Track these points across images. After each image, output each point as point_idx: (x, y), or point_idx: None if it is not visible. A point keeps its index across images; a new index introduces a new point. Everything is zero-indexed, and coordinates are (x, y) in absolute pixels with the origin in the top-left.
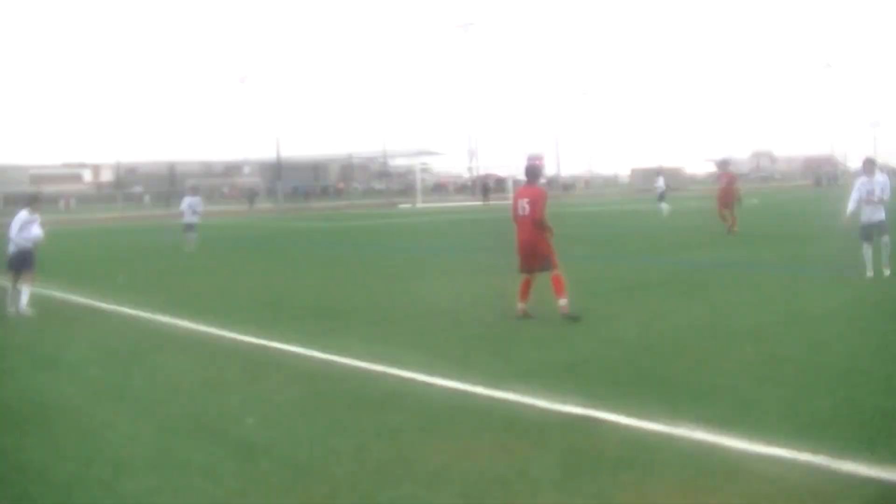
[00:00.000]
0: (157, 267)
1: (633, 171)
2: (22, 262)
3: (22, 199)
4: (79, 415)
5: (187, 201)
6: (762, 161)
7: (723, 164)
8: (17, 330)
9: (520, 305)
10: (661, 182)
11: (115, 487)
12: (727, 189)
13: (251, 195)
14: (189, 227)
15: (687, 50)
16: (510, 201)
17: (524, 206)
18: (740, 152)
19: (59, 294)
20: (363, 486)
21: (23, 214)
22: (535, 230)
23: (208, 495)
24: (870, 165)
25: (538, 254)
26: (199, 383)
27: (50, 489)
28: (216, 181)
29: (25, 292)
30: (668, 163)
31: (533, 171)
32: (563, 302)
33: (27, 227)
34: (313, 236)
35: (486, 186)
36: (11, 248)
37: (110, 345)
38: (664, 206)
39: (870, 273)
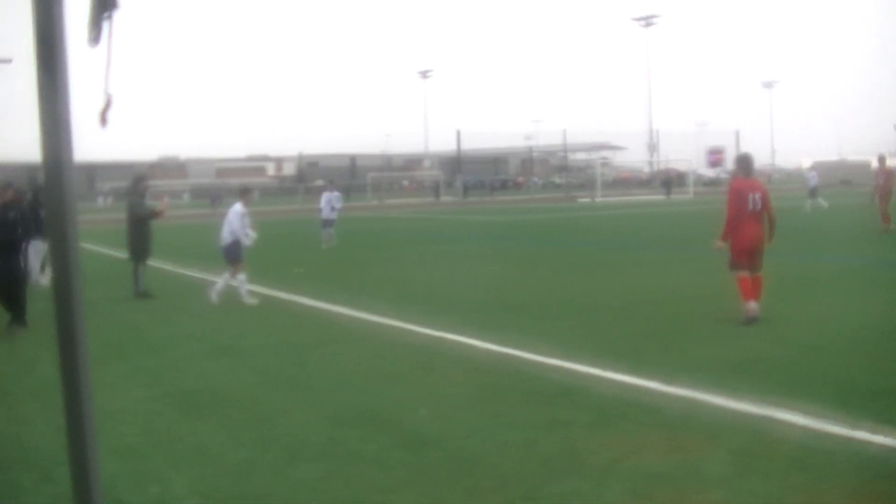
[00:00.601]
0: (333, 258)
1: (815, 165)
2: (235, 253)
3: (211, 193)
4: (254, 402)
5: (325, 197)
6: None
7: (881, 160)
8: (198, 319)
9: (752, 305)
10: (814, 177)
11: (287, 473)
12: (885, 185)
13: (436, 188)
14: (327, 223)
15: (876, 38)
16: (690, 195)
17: (756, 200)
18: None
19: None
20: (531, 479)
21: (238, 207)
22: (763, 227)
23: (377, 484)
24: None
25: (762, 252)
26: (372, 374)
27: (225, 473)
28: (396, 175)
29: (240, 282)
30: (853, 156)
31: (749, 162)
32: (756, 305)
33: (243, 220)
34: (490, 230)
35: (669, 180)
36: (229, 239)
37: (286, 335)
38: (811, 203)
39: None
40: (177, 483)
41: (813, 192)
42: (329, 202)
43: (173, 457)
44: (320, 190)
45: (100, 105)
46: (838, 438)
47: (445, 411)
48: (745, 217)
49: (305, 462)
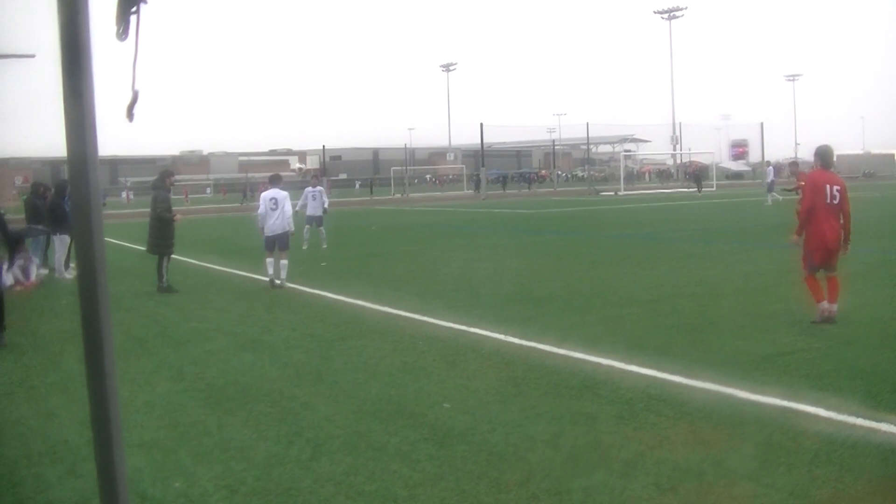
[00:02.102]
0: (358, 252)
1: (839, 158)
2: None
3: (243, 186)
4: (280, 396)
5: (308, 192)
6: None
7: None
8: (223, 313)
9: (826, 305)
10: (771, 172)
11: (312, 467)
12: None
13: (477, 182)
14: (312, 220)
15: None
16: (714, 188)
17: (835, 193)
18: None
19: (265, 278)
20: (557, 473)
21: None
22: (840, 224)
23: (403, 478)
24: None
25: (838, 250)
26: (397, 368)
27: (251, 467)
28: (419, 168)
29: (285, 266)
30: (876, 149)
31: (830, 155)
32: (835, 307)
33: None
34: (515, 223)
35: (698, 174)
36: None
37: (312, 329)
38: (771, 197)
39: None
40: (202, 477)
41: (770, 186)
42: (314, 197)
43: (198, 451)
44: (382, 182)
45: (126, 100)
46: (863, 431)
47: (471, 405)
48: (821, 211)
49: (330, 456)
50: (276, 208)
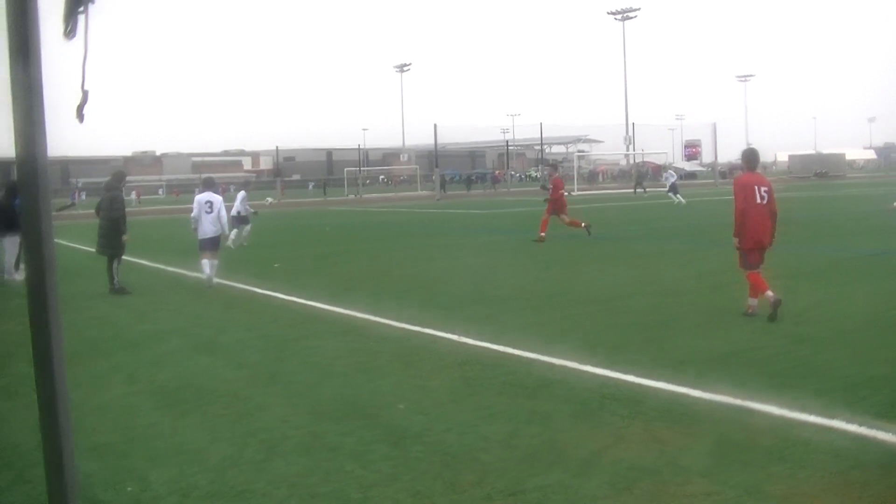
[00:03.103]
0: (312, 252)
1: (791, 158)
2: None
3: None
4: (234, 398)
5: (242, 195)
6: None
7: (554, 168)
8: (177, 315)
9: (772, 295)
10: (671, 175)
11: (267, 469)
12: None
13: (443, 182)
14: (240, 220)
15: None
16: (667, 188)
17: (763, 194)
18: None
19: (216, 280)
20: (512, 472)
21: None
22: (770, 221)
23: (358, 479)
24: None
25: (767, 247)
26: (352, 368)
27: (205, 469)
28: (374, 169)
29: (214, 266)
30: (827, 149)
31: (756, 157)
32: (755, 301)
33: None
34: (470, 223)
35: (640, 175)
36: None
37: (266, 330)
38: (676, 198)
39: None
40: (155, 481)
41: (673, 188)
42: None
43: (152, 454)
44: (336, 183)
45: (76, 100)
46: (816, 428)
47: (426, 405)
48: (753, 212)
49: (285, 457)
50: (211, 212)
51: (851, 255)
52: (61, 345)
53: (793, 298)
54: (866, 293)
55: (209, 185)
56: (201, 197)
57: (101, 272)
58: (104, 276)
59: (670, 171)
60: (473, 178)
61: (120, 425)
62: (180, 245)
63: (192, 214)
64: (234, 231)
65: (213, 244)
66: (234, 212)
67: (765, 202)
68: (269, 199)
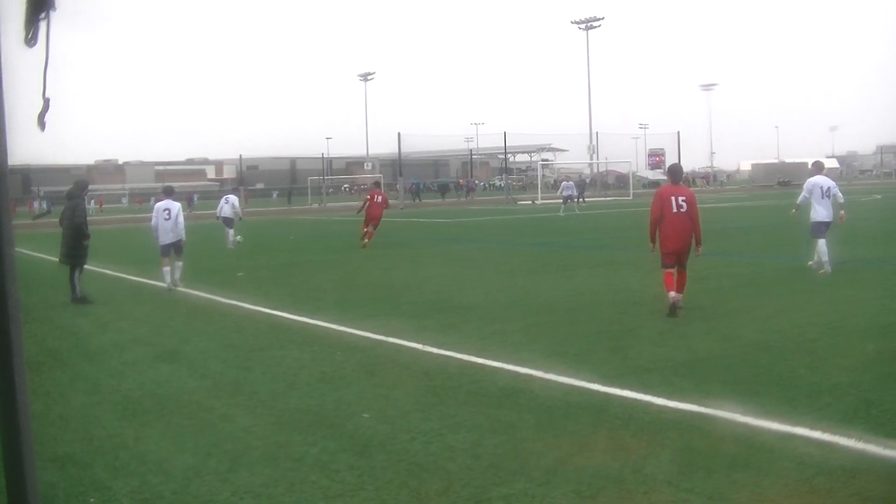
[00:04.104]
0: (277, 262)
1: (755, 167)
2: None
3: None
4: (198, 408)
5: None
6: (886, 156)
7: (376, 184)
8: (140, 324)
9: (673, 294)
10: (569, 187)
11: (231, 480)
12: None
13: (416, 190)
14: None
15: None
16: (630, 197)
17: (681, 203)
18: (864, 147)
19: (180, 288)
20: (477, 481)
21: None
22: (690, 229)
23: (322, 489)
24: None
25: (688, 250)
26: (316, 378)
27: (168, 480)
28: (337, 178)
29: (179, 268)
30: (790, 158)
31: (679, 172)
32: (680, 297)
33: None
34: (433, 232)
35: (581, 184)
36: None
37: (230, 339)
38: (564, 207)
39: None
40: (118, 492)
41: (566, 200)
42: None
43: (114, 465)
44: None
45: (37, 108)
46: (780, 435)
47: (390, 414)
48: (668, 220)
49: (249, 468)
50: (169, 218)
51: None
52: (22, 354)
53: (755, 307)
54: (827, 301)
55: (168, 192)
56: (160, 205)
57: (62, 281)
58: (66, 286)
59: (569, 184)
60: (450, 185)
61: (82, 435)
62: (143, 254)
63: (152, 223)
64: (230, 231)
65: (171, 249)
66: (230, 214)
67: (683, 211)
68: (238, 238)
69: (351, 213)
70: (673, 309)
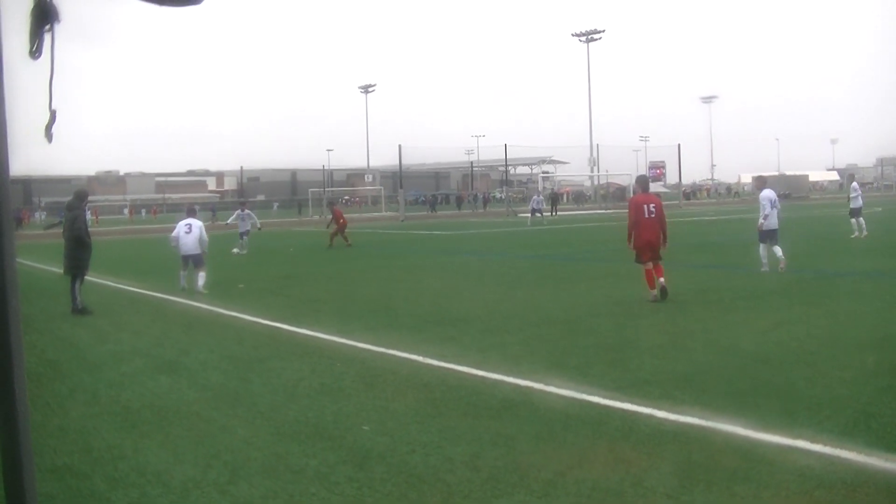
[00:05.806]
0: (277, 274)
1: (755, 179)
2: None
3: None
4: (197, 419)
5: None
6: (886, 169)
7: (332, 203)
8: (139, 335)
9: (654, 292)
10: (538, 201)
11: (230, 491)
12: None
13: (433, 202)
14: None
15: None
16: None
17: (651, 209)
18: (865, 160)
19: (180, 300)
20: (477, 494)
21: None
22: (659, 229)
23: (322, 501)
24: None
25: (658, 247)
26: (315, 390)
27: (168, 491)
28: (338, 190)
29: (202, 277)
30: (791, 170)
31: (647, 182)
32: (662, 279)
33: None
34: (433, 244)
35: (554, 197)
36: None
37: (230, 350)
38: (531, 219)
39: None
40: (117, 503)
41: (533, 213)
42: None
43: (113, 476)
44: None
45: (43, 120)
46: (780, 448)
47: (390, 426)
48: (642, 223)
49: (249, 479)
50: (190, 232)
51: (811, 275)
52: (22, 365)
53: (754, 319)
54: (827, 313)
55: (191, 213)
56: (183, 221)
57: (63, 292)
58: (66, 297)
59: (539, 198)
60: (463, 198)
61: (81, 446)
62: (144, 265)
63: (173, 234)
64: (245, 241)
65: (190, 261)
66: (249, 227)
67: (653, 216)
68: (235, 250)
69: (350, 224)
70: (662, 293)
